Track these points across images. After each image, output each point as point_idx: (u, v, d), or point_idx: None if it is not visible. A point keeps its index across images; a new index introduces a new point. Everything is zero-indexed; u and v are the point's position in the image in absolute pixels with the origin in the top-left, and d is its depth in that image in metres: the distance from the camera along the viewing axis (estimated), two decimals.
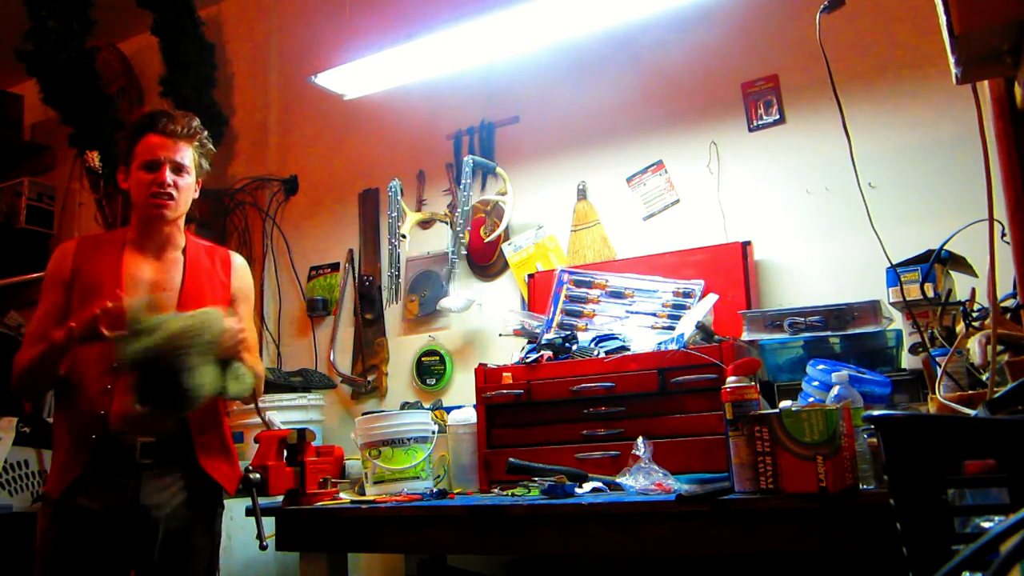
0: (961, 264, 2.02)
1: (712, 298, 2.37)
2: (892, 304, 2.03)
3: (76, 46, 3.61)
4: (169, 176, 1.99)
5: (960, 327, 1.62)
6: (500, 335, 2.83)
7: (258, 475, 2.06)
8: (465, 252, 3.00)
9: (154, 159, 1.99)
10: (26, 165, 4.53)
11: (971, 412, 1.28)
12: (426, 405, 2.94)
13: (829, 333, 2.11)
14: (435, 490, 2.17)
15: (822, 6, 1.73)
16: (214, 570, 2.05)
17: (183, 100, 3.59)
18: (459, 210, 2.94)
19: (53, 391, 2.02)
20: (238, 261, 2.19)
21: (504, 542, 1.91)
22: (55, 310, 1.96)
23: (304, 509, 2.14)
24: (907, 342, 2.03)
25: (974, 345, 1.51)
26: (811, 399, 1.85)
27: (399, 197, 2.98)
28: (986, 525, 0.97)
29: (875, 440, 1.59)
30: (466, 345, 3.14)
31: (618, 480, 1.90)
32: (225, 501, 2.09)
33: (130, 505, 1.90)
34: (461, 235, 2.93)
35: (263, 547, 1.98)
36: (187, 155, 2.03)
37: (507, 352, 2.81)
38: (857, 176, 1.79)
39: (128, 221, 2.18)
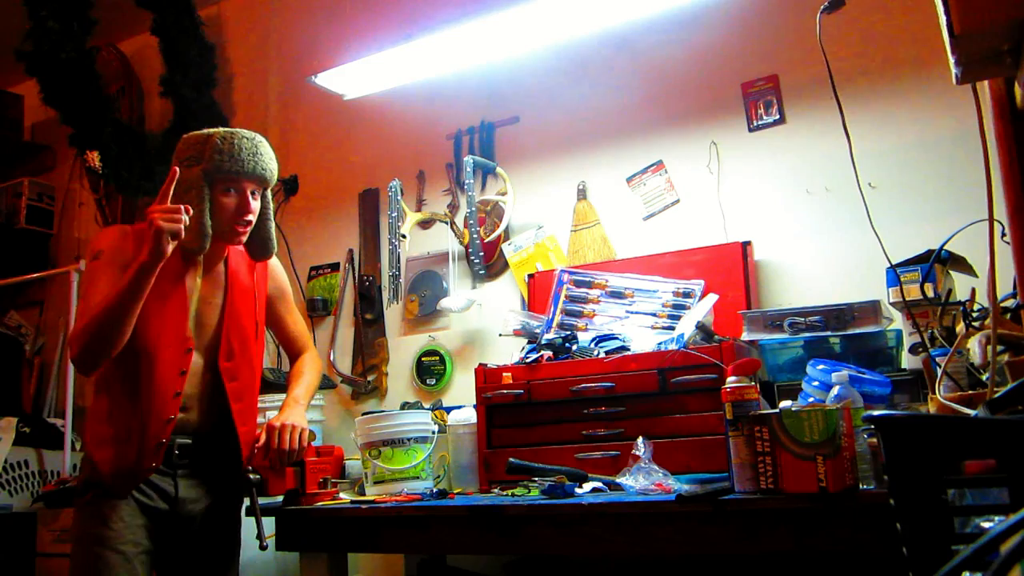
0: (961, 264, 2.02)
1: (712, 298, 2.37)
2: (892, 304, 2.03)
3: (76, 46, 3.62)
4: (253, 204, 1.99)
5: (960, 327, 1.62)
6: (500, 335, 2.83)
7: (258, 475, 2.06)
8: (468, 252, 2.99)
9: (240, 186, 1.95)
10: (26, 165, 4.54)
11: (971, 412, 1.27)
12: (426, 405, 2.94)
13: (829, 333, 2.11)
14: (435, 490, 2.17)
15: (822, 6, 1.74)
16: (238, 565, 2.11)
17: (183, 100, 3.59)
18: (468, 210, 2.92)
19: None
20: (274, 262, 2.21)
21: (504, 542, 1.91)
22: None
23: (304, 509, 2.14)
24: (907, 342, 2.03)
25: (974, 345, 1.51)
26: (811, 399, 1.85)
27: (399, 197, 2.98)
28: (986, 525, 0.97)
29: (875, 440, 1.59)
30: (466, 345, 3.14)
31: (618, 480, 1.89)
32: None
33: (170, 505, 1.93)
34: (475, 234, 2.92)
35: (263, 547, 1.98)
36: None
37: (507, 352, 2.81)
38: (857, 176, 1.79)
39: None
